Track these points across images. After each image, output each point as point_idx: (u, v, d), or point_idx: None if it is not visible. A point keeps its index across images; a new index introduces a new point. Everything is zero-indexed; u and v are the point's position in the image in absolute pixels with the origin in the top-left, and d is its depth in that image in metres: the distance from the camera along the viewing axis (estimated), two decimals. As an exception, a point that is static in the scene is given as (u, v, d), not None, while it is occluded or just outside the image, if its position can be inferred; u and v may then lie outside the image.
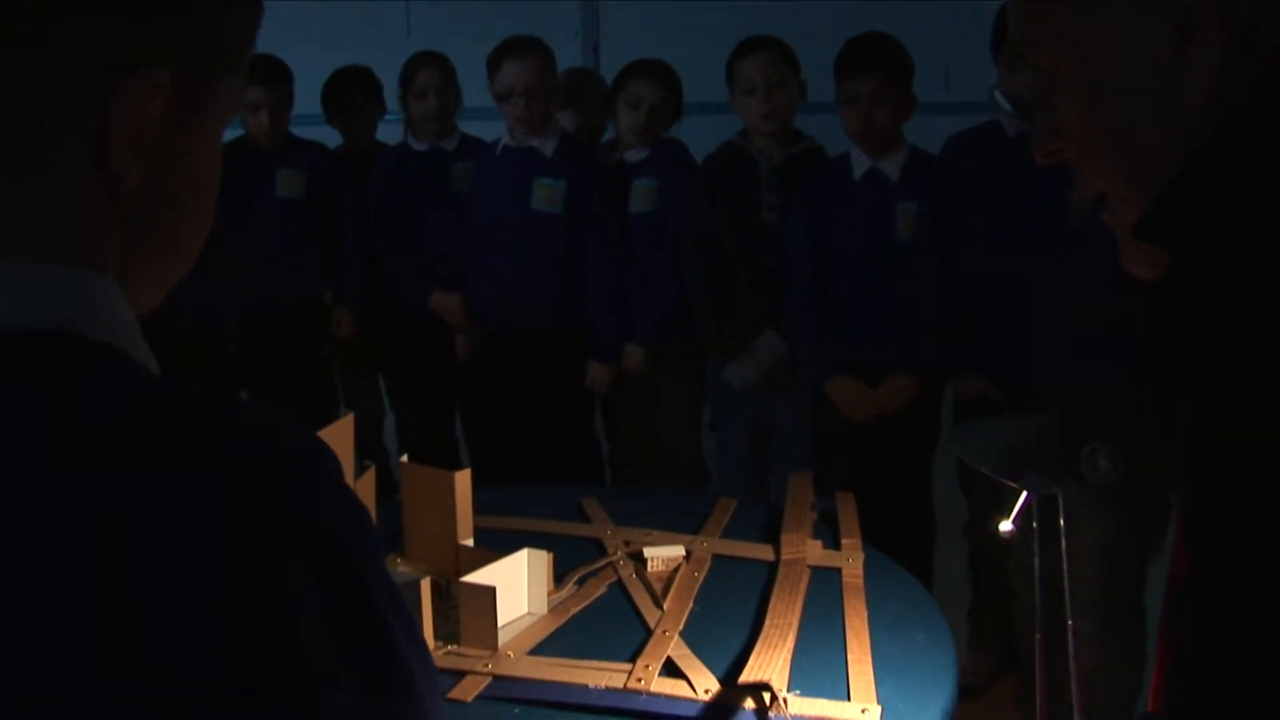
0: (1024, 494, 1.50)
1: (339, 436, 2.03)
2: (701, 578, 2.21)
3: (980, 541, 3.42)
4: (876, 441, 3.50)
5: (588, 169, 3.83)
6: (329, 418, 4.36)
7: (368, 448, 4.63)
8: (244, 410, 0.72)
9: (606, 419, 4.18)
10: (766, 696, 1.68)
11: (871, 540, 2.35)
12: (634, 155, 3.87)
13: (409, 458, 2.34)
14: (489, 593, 1.88)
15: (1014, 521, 1.53)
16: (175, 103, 0.78)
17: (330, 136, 4.56)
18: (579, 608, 2.08)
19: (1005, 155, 3.11)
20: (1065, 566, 2.93)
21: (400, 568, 2.25)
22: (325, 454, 0.75)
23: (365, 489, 2.15)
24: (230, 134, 4.32)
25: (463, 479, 2.17)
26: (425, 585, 1.88)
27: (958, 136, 3.34)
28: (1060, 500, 1.54)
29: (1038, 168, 2.99)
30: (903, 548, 3.45)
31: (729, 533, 2.44)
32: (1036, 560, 3.03)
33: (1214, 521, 0.86)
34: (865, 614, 2.01)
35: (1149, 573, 2.99)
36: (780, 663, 1.76)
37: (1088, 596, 2.92)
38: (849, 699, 1.73)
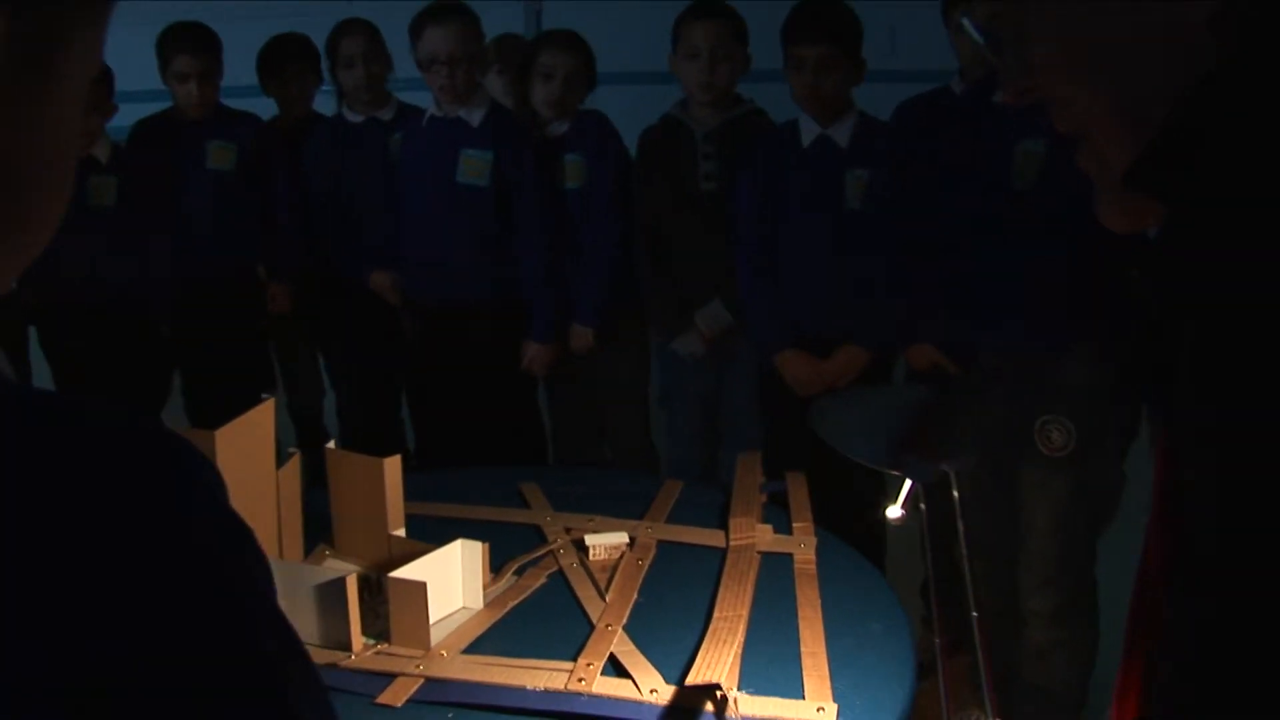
0: (910, 476, 1.36)
1: (259, 422, 1.91)
2: (646, 566, 2.10)
3: (932, 515, 3.35)
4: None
5: (517, 140, 3.66)
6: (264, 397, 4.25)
7: (308, 429, 4.49)
8: (100, 421, 0.62)
9: (550, 399, 4.06)
10: (717, 698, 1.58)
11: (823, 517, 2.26)
12: (556, 128, 3.70)
13: (341, 442, 2.22)
14: (420, 589, 1.77)
15: (903, 506, 1.40)
16: (13, 59, 0.65)
17: (267, 109, 4.39)
18: (516, 601, 1.97)
19: (955, 121, 3.02)
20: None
21: (329, 559, 2.13)
22: (199, 472, 0.66)
23: (289, 478, 2.02)
24: (158, 105, 4.15)
25: (393, 466, 2.05)
26: (351, 583, 1.76)
27: (908, 103, 3.24)
28: (953, 479, 1.43)
29: (986, 131, 2.96)
30: (855, 524, 3.39)
31: (675, 517, 2.33)
32: (961, 543, 2.98)
33: (1223, 506, 0.74)
34: (819, 603, 1.92)
35: (1099, 546, 2.94)
36: (730, 659, 1.66)
37: (1043, 574, 2.86)
38: (803, 697, 1.64)
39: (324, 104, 4.37)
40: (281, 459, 2.01)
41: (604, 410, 3.82)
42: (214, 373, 4.26)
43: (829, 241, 3.25)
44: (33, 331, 4.05)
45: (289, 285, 4.18)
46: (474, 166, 3.62)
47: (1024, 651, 2.94)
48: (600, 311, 3.68)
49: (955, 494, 1.52)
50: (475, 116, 3.63)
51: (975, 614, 1.40)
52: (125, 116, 4.02)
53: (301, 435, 4.43)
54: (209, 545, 0.61)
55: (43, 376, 4.03)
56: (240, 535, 0.64)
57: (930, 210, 3.00)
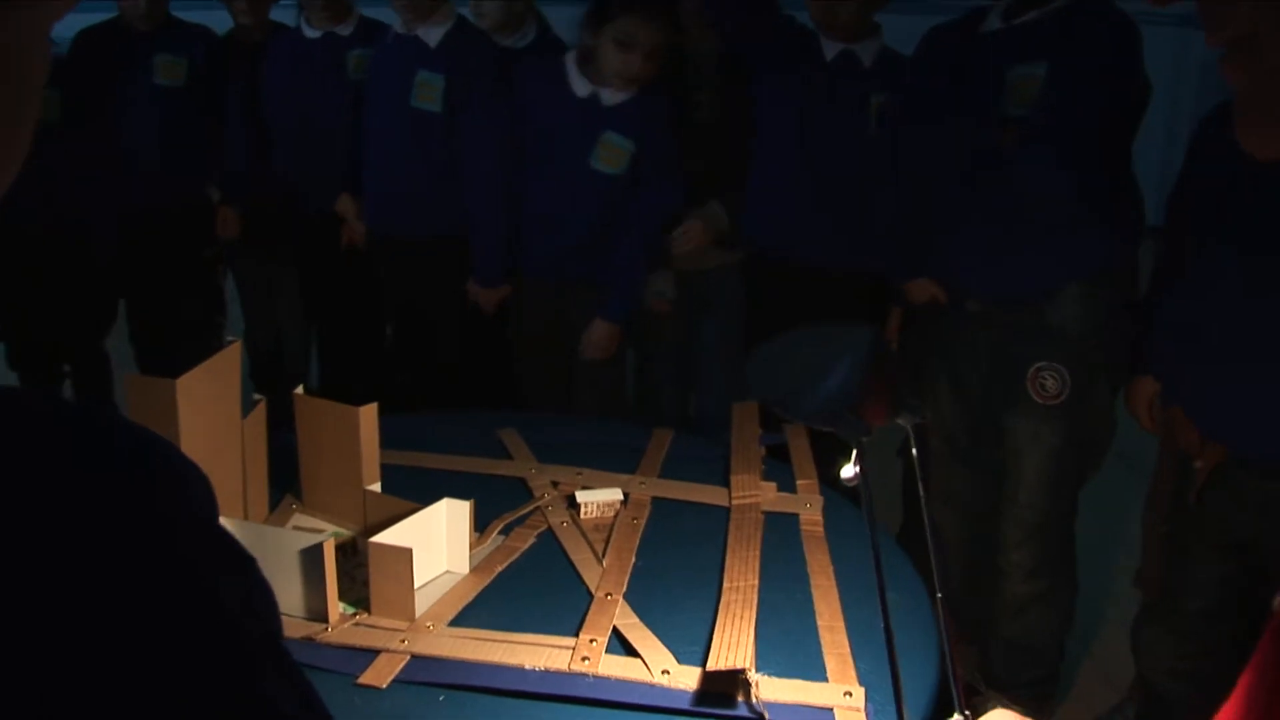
0: (851, 435, 1.19)
1: (225, 367, 1.72)
2: (642, 525, 1.96)
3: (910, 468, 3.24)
4: None
5: (475, 64, 3.36)
6: (214, 327, 4.04)
7: (264, 366, 4.28)
8: (88, 428, 0.55)
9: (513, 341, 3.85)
10: (740, 683, 1.44)
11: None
12: (610, 98, 3.14)
13: (306, 386, 2.05)
14: (404, 556, 1.60)
15: (856, 464, 1.24)
16: None
17: (223, 23, 4.12)
18: (505, 564, 1.82)
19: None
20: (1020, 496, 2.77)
21: (297, 515, 1.96)
22: (189, 483, 0.57)
23: (255, 428, 1.85)
24: (102, 14, 3.88)
25: (368, 415, 1.88)
26: (329, 550, 1.59)
27: (937, 29, 3.01)
28: (911, 434, 1.27)
29: (976, 56, 2.78)
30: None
31: (669, 471, 2.19)
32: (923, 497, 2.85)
33: None
34: (831, 570, 1.78)
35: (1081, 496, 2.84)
36: (747, 636, 1.52)
37: (1027, 528, 2.76)
38: (826, 678, 1.50)
39: (286, 17, 4.11)
40: (246, 406, 1.83)
41: (573, 353, 3.60)
42: (160, 300, 4.05)
43: (847, 165, 3.08)
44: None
45: (239, 209, 3.95)
46: (426, 90, 3.37)
47: (1001, 606, 2.85)
48: (630, 313, 3.33)
49: (914, 451, 1.39)
50: (434, 35, 3.38)
51: (940, 594, 1.25)
52: (66, 25, 3.75)
53: (256, 371, 4.23)
54: (198, 580, 0.53)
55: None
56: (235, 562, 0.57)
57: (932, 142, 2.83)
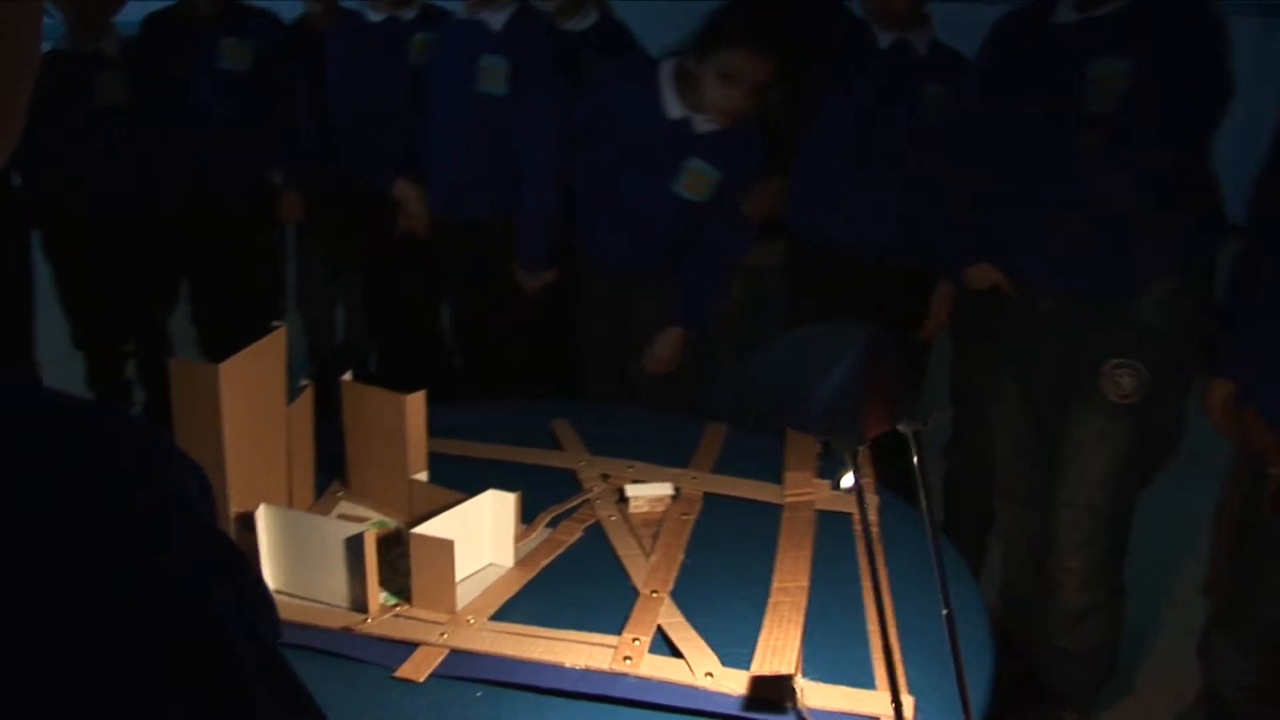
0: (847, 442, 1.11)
1: (269, 352, 1.70)
2: (692, 521, 1.92)
3: (960, 464, 3.15)
4: None
5: (536, 46, 3.32)
6: (276, 310, 4.05)
7: (325, 351, 4.28)
8: (75, 420, 0.54)
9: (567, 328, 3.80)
10: (786, 689, 1.39)
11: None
12: (702, 126, 2.97)
13: (362, 372, 2.03)
14: (446, 548, 1.57)
15: (856, 472, 1.16)
16: None
17: (291, 10, 4.12)
18: (550, 559, 1.78)
19: (1027, 38, 2.74)
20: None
21: (343, 503, 1.94)
22: (180, 480, 0.55)
23: (301, 414, 1.83)
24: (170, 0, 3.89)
25: (415, 403, 1.85)
26: (370, 541, 1.57)
27: (1006, 19, 2.91)
28: (911, 439, 1.19)
29: (1054, 48, 2.69)
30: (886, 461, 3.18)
31: (723, 465, 2.14)
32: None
33: None
34: (884, 573, 1.73)
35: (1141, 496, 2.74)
36: (796, 643, 1.47)
37: (1087, 532, 2.66)
38: (875, 686, 1.45)
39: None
40: (294, 392, 1.81)
41: (635, 344, 3.54)
42: (222, 282, 4.06)
43: (902, 156, 3.00)
44: (36, 236, 3.84)
45: (302, 194, 3.95)
46: (491, 74, 3.35)
47: (1057, 614, 2.74)
48: (705, 319, 3.21)
49: (915, 459, 1.31)
50: (497, 20, 3.35)
51: (945, 611, 1.19)
52: (133, 10, 3.78)
53: (316, 354, 4.24)
54: (178, 579, 0.52)
55: (45, 281, 3.84)
56: (227, 564, 0.55)
57: (999, 136, 2.75)
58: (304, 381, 1.87)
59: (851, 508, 1.94)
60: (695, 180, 3.01)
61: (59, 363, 4.02)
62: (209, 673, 0.51)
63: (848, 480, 1.21)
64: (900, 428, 1.22)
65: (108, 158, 3.63)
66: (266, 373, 1.69)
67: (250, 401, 1.64)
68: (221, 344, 1.71)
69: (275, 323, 1.73)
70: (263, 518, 1.61)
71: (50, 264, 3.85)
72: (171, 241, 3.97)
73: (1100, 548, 2.66)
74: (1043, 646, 2.79)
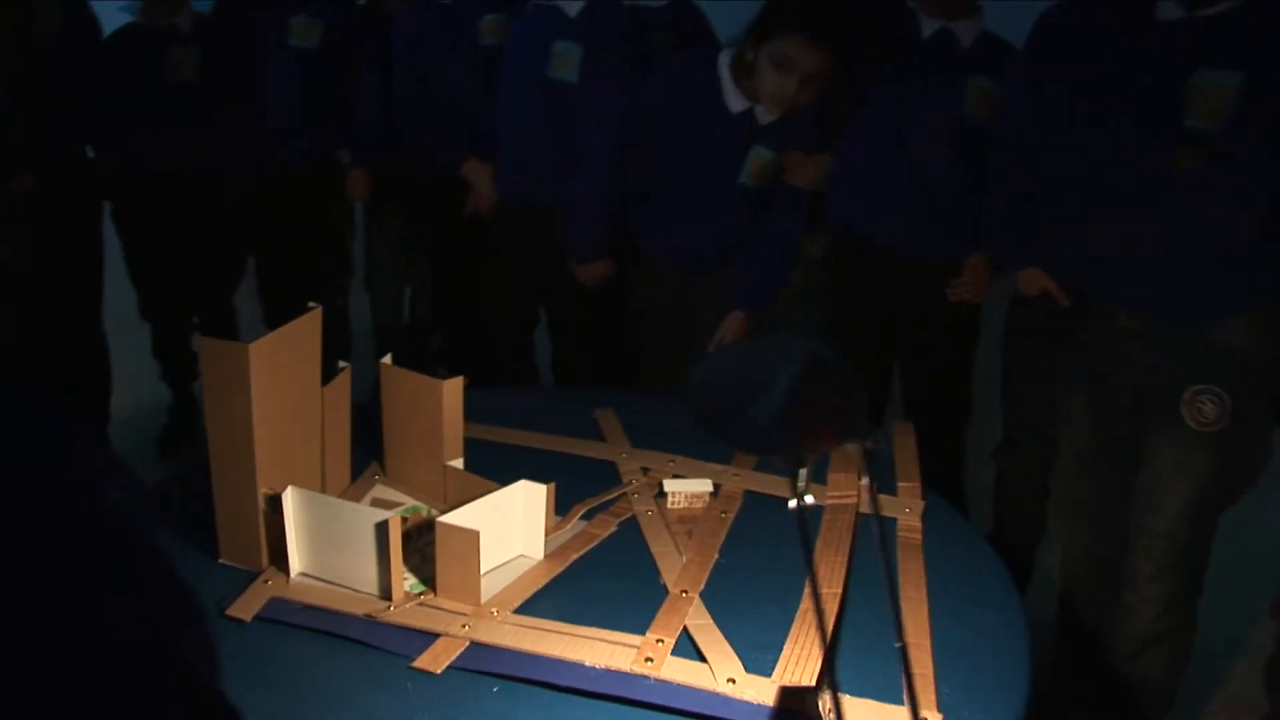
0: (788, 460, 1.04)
1: (304, 333, 1.69)
2: (730, 519, 1.87)
3: (1010, 469, 3.05)
4: (916, 349, 3.13)
5: (612, 34, 3.30)
6: (341, 287, 4.06)
7: (390, 330, 4.28)
8: None
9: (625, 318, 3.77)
10: (805, 701, 1.35)
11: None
12: (765, 116, 2.95)
13: (419, 354, 2.01)
14: (470, 539, 1.55)
15: (803, 491, 1.10)
16: None
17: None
18: (581, 553, 1.75)
19: (1145, 43, 2.60)
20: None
21: (379, 486, 1.93)
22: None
23: (337, 395, 1.81)
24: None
25: (452, 389, 1.83)
26: (394, 527, 1.55)
27: (1053, 10, 2.82)
28: (861, 458, 1.13)
29: (1151, 55, 2.55)
30: (931, 461, 3.09)
31: (766, 463, 2.09)
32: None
33: None
34: (924, 585, 1.67)
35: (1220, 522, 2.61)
36: (821, 652, 1.42)
37: (1163, 561, 2.53)
38: (903, 701, 1.40)
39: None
40: (328, 374, 1.79)
41: (695, 334, 3.50)
42: (289, 258, 4.09)
43: (944, 149, 2.91)
44: (108, 206, 3.89)
45: (370, 173, 3.96)
46: (564, 60, 3.32)
47: (1122, 641, 2.63)
48: (768, 304, 3.20)
49: (865, 480, 1.26)
50: (573, 6, 3.32)
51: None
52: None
53: (381, 333, 4.25)
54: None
55: (115, 252, 3.88)
56: (121, 566, 0.55)
57: (1064, 131, 2.64)
58: (342, 363, 1.86)
59: (894, 512, 1.89)
60: (758, 169, 2.99)
61: (127, 332, 4.07)
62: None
63: (794, 501, 1.15)
64: (850, 447, 1.16)
65: (178, 132, 3.66)
66: (300, 353, 1.67)
67: (282, 382, 1.62)
68: (286, 319, 1.70)
69: (311, 303, 1.72)
70: (290, 500, 1.59)
71: (120, 236, 3.90)
72: (239, 217, 4.00)
73: (1175, 577, 2.52)
74: (1102, 669, 2.69)
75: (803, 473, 1.09)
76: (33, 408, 0.52)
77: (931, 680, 1.44)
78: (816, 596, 1.30)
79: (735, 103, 2.94)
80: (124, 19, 3.72)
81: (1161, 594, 2.49)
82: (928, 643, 1.52)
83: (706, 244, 3.12)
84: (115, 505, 0.52)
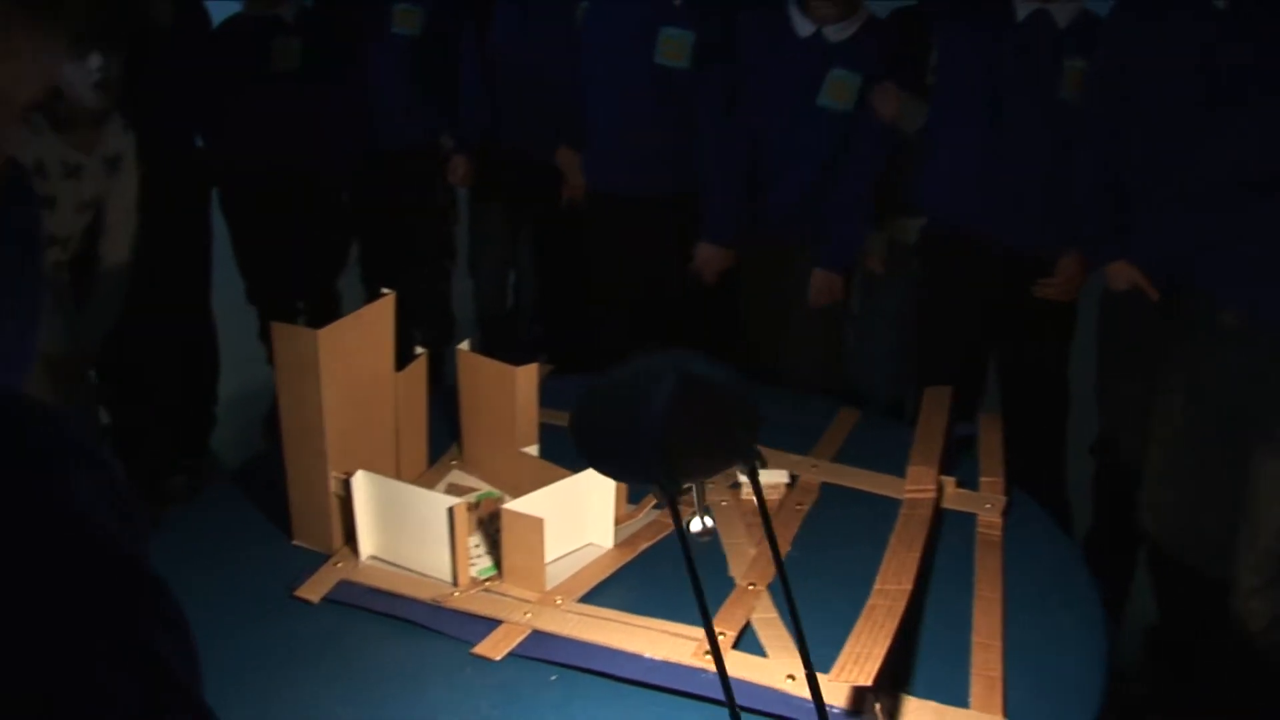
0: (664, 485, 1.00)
1: (376, 319, 1.70)
2: (805, 511, 1.85)
3: (1108, 468, 2.93)
4: (1012, 342, 3.04)
5: (719, 16, 3.28)
6: (443, 272, 4.09)
7: (492, 314, 4.30)
8: None
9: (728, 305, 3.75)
10: (866, 700, 1.32)
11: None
12: (835, 33, 3.08)
13: (521, 340, 2.02)
14: (535, 526, 1.55)
15: (702, 515, 1.07)
16: None
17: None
18: (651, 542, 1.74)
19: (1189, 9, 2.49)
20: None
21: (455, 472, 1.94)
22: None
23: (412, 381, 1.83)
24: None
25: (527, 375, 1.83)
26: (460, 511, 1.55)
27: None
28: (749, 479, 1.08)
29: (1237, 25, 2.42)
30: (1027, 460, 3.00)
31: (848, 455, 2.06)
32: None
33: None
34: (1000, 582, 1.63)
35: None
36: (882, 651, 1.39)
37: (1270, 572, 2.42)
38: (969, 704, 1.36)
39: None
40: (401, 360, 1.81)
41: (790, 320, 3.47)
42: (392, 243, 4.14)
43: (1040, 134, 2.82)
44: (215, 194, 3.98)
45: (471, 158, 3.98)
46: (673, 46, 3.30)
47: (1227, 653, 2.52)
48: (854, 255, 3.25)
49: (754, 497, 1.22)
50: None
51: (806, 671, 1.07)
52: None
53: (483, 318, 4.28)
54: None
55: (224, 238, 3.98)
56: (99, 544, 0.52)
57: (1149, 111, 2.52)
58: (418, 350, 1.87)
59: (974, 507, 1.84)
60: (836, 88, 3.07)
61: (234, 316, 4.16)
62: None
63: (696, 524, 1.12)
64: (738, 470, 1.13)
65: (282, 121, 3.72)
66: (372, 340, 1.69)
67: (352, 367, 1.64)
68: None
69: (385, 290, 1.73)
70: (359, 484, 1.61)
71: (227, 222, 3.98)
72: (341, 203, 4.07)
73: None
74: (1206, 676, 2.59)
75: (698, 493, 1.07)
76: (20, 419, 0.53)
77: (999, 683, 1.40)
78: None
79: (803, 27, 3.06)
80: (233, 10, 3.80)
81: (1267, 608, 2.39)
82: (999, 644, 1.48)
83: (794, 194, 3.17)
84: (94, 513, 0.52)
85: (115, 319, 2.95)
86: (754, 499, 1.86)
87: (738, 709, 1.06)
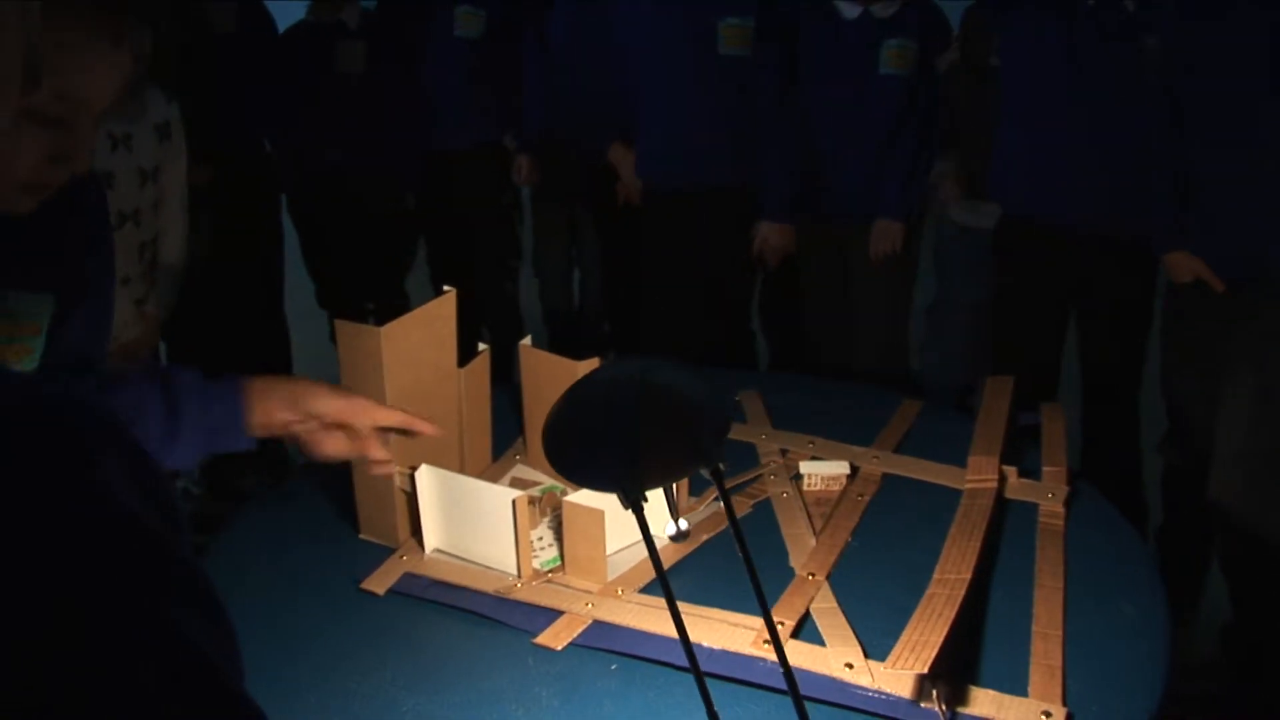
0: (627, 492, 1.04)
1: (438, 315, 1.73)
2: (865, 502, 1.85)
3: (1177, 463, 2.87)
4: (1089, 327, 3.01)
5: (775, 2, 3.32)
6: (509, 270, 4.13)
7: (559, 312, 4.33)
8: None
9: (788, 298, 3.77)
10: (924, 688, 1.32)
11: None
12: (882, 9, 3.25)
13: (591, 338, 2.04)
14: (596, 518, 1.57)
15: (676, 519, 1.14)
16: None
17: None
18: (713, 534, 1.75)
19: None
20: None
21: (519, 467, 1.97)
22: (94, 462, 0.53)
23: (475, 377, 1.85)
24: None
25: (588, 369, 1.85)
26: (521, 506, 1.57)
27: None
28: (715, 481, 1.11)
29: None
30: (1100, 456, 2.96)
31: (910, 446, 2.06)
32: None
33: None
34: (1062, 571, 1.62)
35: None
36: (939, 639, 1.39)
37: None
38: (1027, 693, 1.36)
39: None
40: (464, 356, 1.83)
41: (857, 316, 3.47)
42: (457, 243, 4.19)
43: (1112, 114, 2.78)
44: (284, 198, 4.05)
45: (534, 157, 4.02)
46: (736, 34, 3.32)
47: None
48: (910, 205, 3.32)
49: (720, 502, 1.22)
50: None
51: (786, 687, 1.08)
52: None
53: (550, 316, 4.31)
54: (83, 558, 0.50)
55: (293, 242, 4.05)
56: (136, 542, 0.52)
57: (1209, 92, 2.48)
58: (481, 346, 1.90)
59: (1036, 497, 1.83)
60: (895, 56, 3.21)
61: (306, 319, 4.24)
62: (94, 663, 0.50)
63: (671, 528, 1.16)
64: (703, 472, 1.16)
65: (347, 123, 3.78)
66: (435, 336, 1.72)
67: (415, 364, 1.67)
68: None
69: (446, 287, 1.76)
70: (422, 478, 1.64)
71: (295, 227, 4.05)
72: (407, 204, 4.12)
73: None
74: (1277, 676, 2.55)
75: (668, 498, 1.11)
76: (51, 403, 0.54)
77: (1059, 672, 1.39)
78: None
79: (849, 10, 3.19)
80: (298, 16, 3.87)
81: None
82: (1060, 633, 1.48)
83: (858, 168, 3.27)
84: (123, 495, 0.53)
85: (179, 296, 2.94)
86: (816, 489, 1.87)
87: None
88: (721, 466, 1.13)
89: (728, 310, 3.59)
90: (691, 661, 1.12)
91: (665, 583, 1.16)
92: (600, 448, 1.10)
